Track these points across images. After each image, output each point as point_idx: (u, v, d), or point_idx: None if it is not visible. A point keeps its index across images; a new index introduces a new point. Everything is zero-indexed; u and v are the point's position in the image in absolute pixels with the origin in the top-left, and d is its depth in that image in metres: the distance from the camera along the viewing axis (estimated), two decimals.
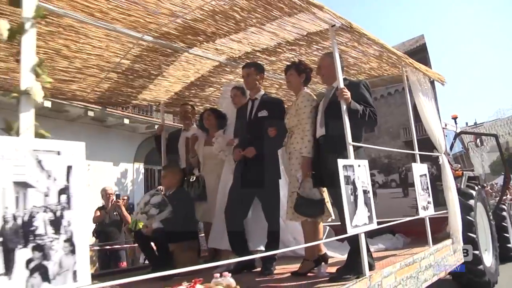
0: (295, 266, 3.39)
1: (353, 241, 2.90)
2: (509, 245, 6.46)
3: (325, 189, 3.26)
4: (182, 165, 4.24)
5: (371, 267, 2.89)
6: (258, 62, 3.69)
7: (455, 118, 6.56)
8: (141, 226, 6.61)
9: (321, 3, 2.66)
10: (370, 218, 2.93)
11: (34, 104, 1.44)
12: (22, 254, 1.25)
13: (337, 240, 3.45)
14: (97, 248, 6.32)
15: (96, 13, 2.91)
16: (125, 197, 8.16)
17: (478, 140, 7.14)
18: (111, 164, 10.31)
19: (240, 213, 3.39)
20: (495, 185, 11.89)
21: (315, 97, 3.38)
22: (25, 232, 1.27)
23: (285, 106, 3.84)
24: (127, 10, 2.85)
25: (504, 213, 6.55)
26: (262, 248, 3.56)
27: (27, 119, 1.39)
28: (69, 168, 1.41)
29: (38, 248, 1.29)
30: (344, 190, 2.71)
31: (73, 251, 1.36)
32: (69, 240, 1.36)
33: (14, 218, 1.26)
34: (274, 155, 3.47)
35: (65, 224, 1.36)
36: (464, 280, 4.86)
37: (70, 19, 2.97)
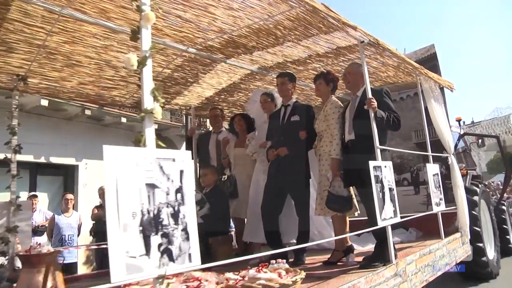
0: (321, 257, 3.76)
1: (380, 233, 3.26)
2: (510, 245, 6.88)
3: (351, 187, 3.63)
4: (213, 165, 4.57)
5: (395, 256, 3.26)
6: (289, 71, 4.02)
7: (459, 120, 6.95)
8: None
9: (355, 24, 3.02)
10: (395, 212, 3.31)
11: (154, 121, 1.75)
12: (155, 239, 1.59)
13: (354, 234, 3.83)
14: (95, 247, 6.38)
15: (151, 30, 3.23)
16: None
17: (480, 141, 7.55)
18: None
19: (275, 210, 3.74)
20: (492, 184, 12.32)
21: (342, 105, 3.73)
22: (155, 222, 1.61)
23: None
24: (180, 27, 3.18)
25: (504, 211, 6.97)
26: (294, 241, 3.91)
27: (150, 133, 1.72)
28: (181, 172, 1.75)
29: (165, 235, 1.63)
30: (374, 188, 3.07)
31: (187, 238, 1.71)
32: (185, 230, 1.71)
33: (148, 212, 1.60)
34: (305, 156, 3.81)
35: (181, 216, 1.71)
36: (468, 270, 5.26)
37: (126, 34, 3.30)
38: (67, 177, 9.28)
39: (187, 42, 3.48)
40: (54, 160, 8.26)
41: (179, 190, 1.73)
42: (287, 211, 3.94)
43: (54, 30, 3.13)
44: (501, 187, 9.21)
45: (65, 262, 5.86)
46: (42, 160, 8.39)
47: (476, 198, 5.22)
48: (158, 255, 1.59)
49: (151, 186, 1.63)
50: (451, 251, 4.24)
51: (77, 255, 6.41)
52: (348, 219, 3.75)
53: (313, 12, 2.82)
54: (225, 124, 5.10)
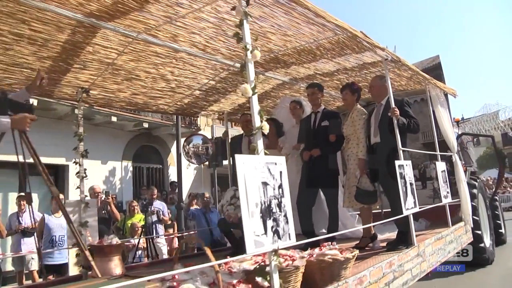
0: (347, 244, 4.34)
1: (402, 221, 3.86)
2: (500, 230, 7.64)
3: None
4: None
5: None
6: (317, 82, 4.59)
7: (457, 122, 7.64)
8: (129, 224, 6.83)
9: (384, 46, 3.60)
10: (415, 203, 3.92)
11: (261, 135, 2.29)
12: (269, 223, 2.14)
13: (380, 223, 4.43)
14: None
15: (208, 49, 3.76)
16: (114, 196, 8.20)
17: (475, 139, 8.28)
18: (99, 162, 10.07)
19: (309, 203, 4.30)
20: (482, 179, 13.12)
21: (366, 112, 4.32)
22: (268, 210, 2.16)
23: None
24: (235, 47, 3.70)
25: (497, 204, 7.73)
26: (324, 230, 4.49)
27: (260, 144, 2.26)
28: (281, 172, 2.31)
29: (274, 220, 2.19)
30: (400, 183, 3.67)
31: (287, 222, 2.27)
32: (285, 215, 2.27)
33: (264, 202, 2.15)
34: (334, 156, 4.38)
35: (283, 206, 2.27)
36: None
37: (185, 53, 3.81)
38: (57, 177, 9.25)
39: (236, 59, 4.00)
40: (44, 160, 8.21)
41: (280, 186, 2.29)
42: (318, 205, 4.51)
43: (125, 51, 3.62)
44: (491, 183, 10.01)
45: (56, 263, 5.84)
46: (32, 160, 8.41)
47: (475, 191, 5.90)
48: (272, 234, 2.15)
49: (264, 184, 2.19)
50: (457, 237, 4.90)
51: (68, 256, 6.08)
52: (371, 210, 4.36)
53: (351, 38, 3.40)
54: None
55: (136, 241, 6.53)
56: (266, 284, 2.10)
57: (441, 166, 4.92)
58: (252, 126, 5.26)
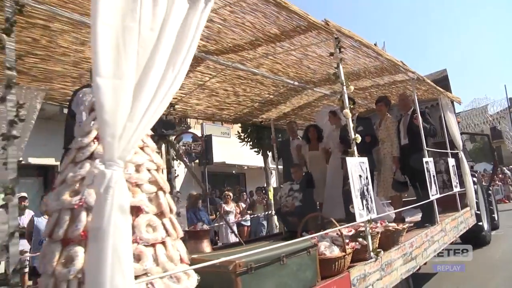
0: None
1: (427, 205, 4.97)
2: (493, 215, 8.89)
3: None
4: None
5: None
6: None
7: (458, 122, 8.82)
8: None
9: (414, 70, 4.71)
10: (437, 191, 5.05)
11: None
12: (364, 202, 3.22)
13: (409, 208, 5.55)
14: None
15: (280, 73, 4.78)
16: None
17: (471, 137, 9.46)
18: None
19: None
20: None
21: (396, 120, 5.42)
22: (363, 194, 3.24)
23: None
24: (302, 72, 4.73)
25: (491, 193, 8.99)
26: None
27: (355, 150, 3.31)
28: (366, 168, 3.38)
29: (366, 200, 3.26)
30: (427, 175, 4.79)
31: (372, 201, 3.34)
32: (370, 197, 3.34)
33: (360, 188, 3.21)
34: (371, 156, 5.45)
35: (369, 191, 3.33)
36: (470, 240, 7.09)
37: (260, 76, 4.82)
38: (47, 178, 9.05)
39: (296, 79, 5.04)
40: (33, 160, 7.99)
41: (366, 177, 3.36)
42: None
43: (217, 75, 4.60)
44: (481, 176, 11.33)
45: None
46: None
47: (475, 186, 7.08)
48: (366, 209, 3.22)
49: (359, 176, 3.25)
50: (466, 219, 6.07)
51: None
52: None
53: (393, 65, 4.48)
54: None
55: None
56: (365, 242, 3.18)
57: (452, 161, 6.08)
58: (296, 132, 6.38)
